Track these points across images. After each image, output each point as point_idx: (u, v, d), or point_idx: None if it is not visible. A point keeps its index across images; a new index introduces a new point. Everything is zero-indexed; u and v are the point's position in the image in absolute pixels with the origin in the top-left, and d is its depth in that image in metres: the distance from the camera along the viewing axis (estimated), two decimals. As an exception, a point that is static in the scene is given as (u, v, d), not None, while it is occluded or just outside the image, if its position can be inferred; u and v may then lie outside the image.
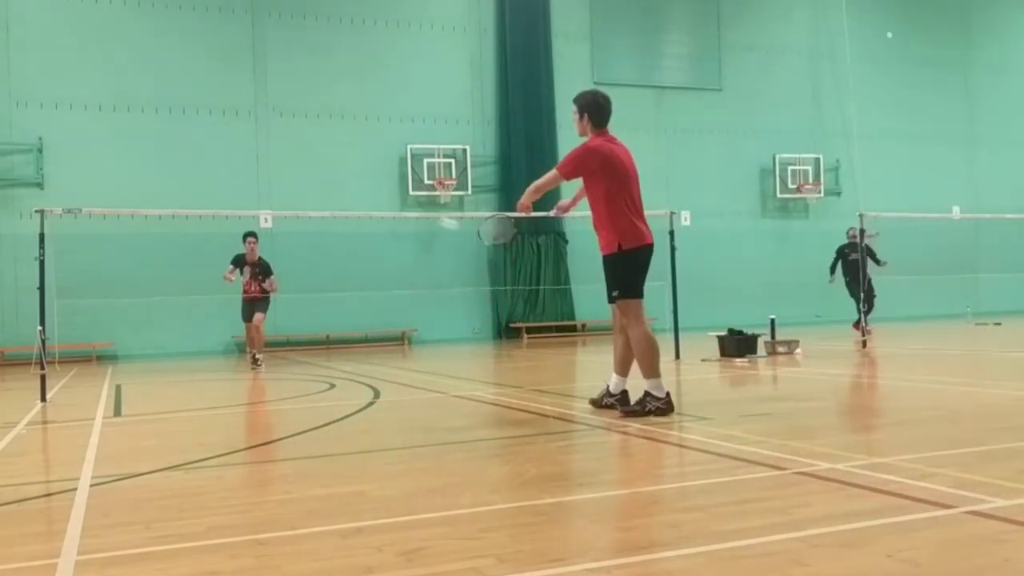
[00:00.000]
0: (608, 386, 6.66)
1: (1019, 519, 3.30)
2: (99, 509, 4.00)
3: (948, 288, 23.03)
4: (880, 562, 2.85)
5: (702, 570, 2.86)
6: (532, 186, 6.62)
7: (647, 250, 6.41)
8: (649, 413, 6.19)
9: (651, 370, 6.25)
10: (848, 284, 16.37)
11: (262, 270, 13.26)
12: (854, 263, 16.19)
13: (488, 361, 13.66)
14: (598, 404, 6.67)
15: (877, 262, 15.86)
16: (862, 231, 13.16)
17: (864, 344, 12.51)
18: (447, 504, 3.99)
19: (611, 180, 6.37)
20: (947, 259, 23.20)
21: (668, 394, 6.30)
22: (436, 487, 4.42)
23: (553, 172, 6.56)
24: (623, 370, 6.55)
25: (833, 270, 16.59)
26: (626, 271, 6.34)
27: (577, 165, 6.42)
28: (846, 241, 16.67)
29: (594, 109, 6.50)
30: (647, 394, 6.27)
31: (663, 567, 2.90)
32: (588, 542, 3.26)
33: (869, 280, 16.02)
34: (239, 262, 13.27)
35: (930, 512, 3.47)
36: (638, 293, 6.36)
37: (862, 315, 13.55)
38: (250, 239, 13.29)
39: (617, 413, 6.44)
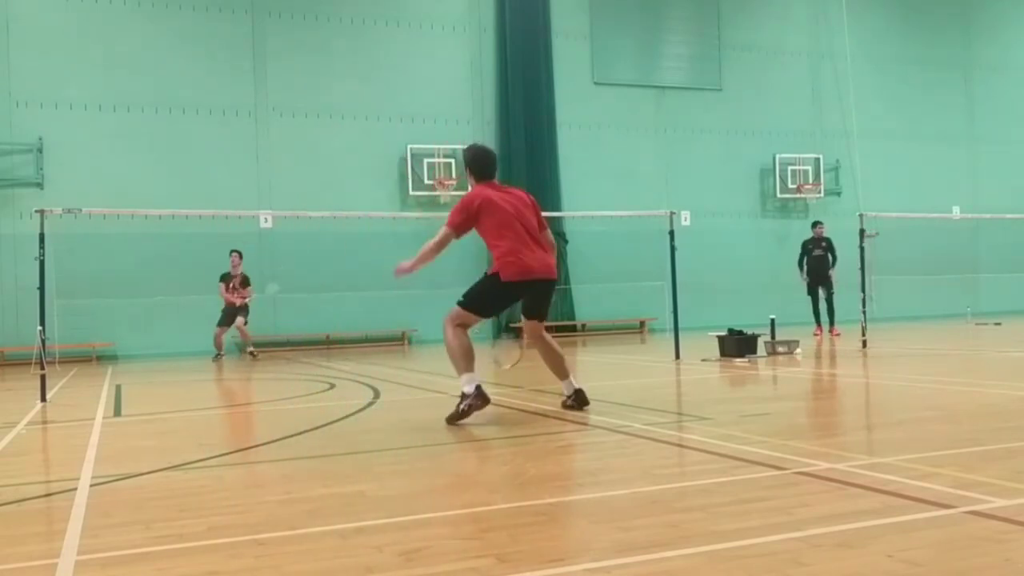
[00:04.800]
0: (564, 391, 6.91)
1: (1019, 519, 3.30)
2: (99, 509, 4.00)
3: (948, 288, 23.03)
4: (880, 562, 2.85)
5: (702, 570, 2.86)
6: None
7: (515, 286, 6.52)
8: (463, 412, 6.27)
9: (459, 369, 6.45)
10: (808, 284, 16.57)
11: (242, 282, 15.82)
12: (817, 259, 16.52)
13: (488, 361, 13.65)
14: (565, 405, 6.82)
15: (832, 264, 16.31)
16: (862, 231, 13.15)
17: (864, 344, 12.50)
18: (447, 504, 4.00)
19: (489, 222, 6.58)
20: (947, 259, 23.21)
21: (478, 387, 6.33)
22: (436, 487, 4.42)
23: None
24: (563, 375, 6.84)
25: (802, 266, 16.76)
26: (483, 289, 6.64)
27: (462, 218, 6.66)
28: (811, 236, 16.91)
29: (474, 164, 6.81)
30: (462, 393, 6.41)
31: (663, 567, 2.90)
32: (588, 542, 3.26)
33: (831, 281, 16.30)
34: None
35: (930, 512, 3.47)
36: (479, 311, 6.62)
37: (862, 313, 13.48)
38: (233, 255, 15.78)
39: (616, 412, 6.45)
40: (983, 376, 8.99)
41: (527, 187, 20.50)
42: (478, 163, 6.78)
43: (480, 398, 6.29)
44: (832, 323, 16.31)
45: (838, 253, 16.53)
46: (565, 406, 6.78)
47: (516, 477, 4.46)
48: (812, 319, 16.63)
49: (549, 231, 6.86)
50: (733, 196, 22.22)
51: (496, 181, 6.81)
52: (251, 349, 15.70)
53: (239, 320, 15.62)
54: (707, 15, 22.31)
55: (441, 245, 6.63)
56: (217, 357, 15.33)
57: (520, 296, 6.66)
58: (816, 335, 16.03)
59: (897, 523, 3.30)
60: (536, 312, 6.82)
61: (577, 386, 6.78)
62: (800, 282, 16.78)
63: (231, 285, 15.75)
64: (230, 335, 16.05)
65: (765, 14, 23.00)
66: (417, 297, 17.65)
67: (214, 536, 3.48)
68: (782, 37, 23.04)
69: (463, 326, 6.55)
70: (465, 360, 6.41)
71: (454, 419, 6.24)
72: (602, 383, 9.71)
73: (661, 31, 22.05)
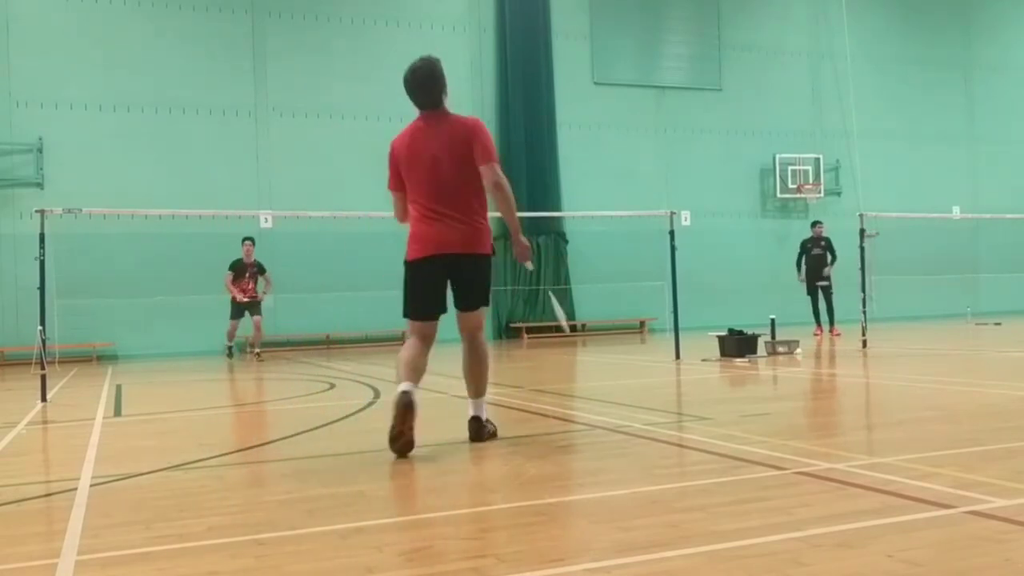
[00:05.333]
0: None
1: (1019, 519, 3.30)
2: (99, 509, 4.00)
3: (948, 288, 23.03)
4: (880, 562, 2.85)
5: (702, 570, 2.86)
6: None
7: (414, 265, 5.44)
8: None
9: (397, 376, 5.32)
10: (807, 283, 16.69)
11: (259, 271, 15.24)
12: (815, 258, 16.63)
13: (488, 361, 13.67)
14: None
15: (831, 262, 16.54)
16: (862, 231, 13.15)
17: (864, 344, 12.50)
18: (447, 504, 3.99)
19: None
20: (947, 259, 23.22)
21: (404, 392, 5.07)
22: (436, 487, 4.42)
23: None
24: (475, 392, 5.65)
25: (799, 265, 16.90)
26: (404, 282, 5.54)
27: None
28: (810, 235, 17.06)
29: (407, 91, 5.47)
30: None
31: (663, 567, 2.90)
32: (588, 542, 3.26)
33: (829, 279, 16.42)
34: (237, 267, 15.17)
35: (930, 512, 3.47)
36: (411, 313, 5.49)
37: (862, 313, 13.48)
38: (247, 243, 15.26)
39: (616, 412, 6.44)
40: (983, 376, 8.99)
41: (527, 187, 20.82)
42: (407, 90, 5.43)
43: (404, 406, 5.01)
44: (832, 323, 16.38)
45: (837, 253, 16.59)
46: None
47: (516, 477, 4.46)
48: (812, 319, 16.66)
49: (492, 167, 5.30)
50: (733, 196, 22.22)
51: (442, 108, 5.43)
52: (258, 351, 15.16)
53: (257, 319, 15.12)
54: (707, 15, 22.31)
55: (397, 214, 5.87)
56: (229, 353, 15.26)
57: (437, 275, 5.39)
58: (816, 335, 16.06)
59: (897, 523, 3.30)
60: (460, 299, 5.52)
61: (478, 414, 5.52)
62: (798, 281, 16.88)
63: (247, 275, 15.14)
64: (242, 330, 15.86)
65: (765, 14, 23.00)
66: (417, 297, 17.66)
67: (214, 536, 3.48)
68: (782, 37, 23.05)
69: (420, 337, 5.46)
70: (404, 370, 5.25)
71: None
72: (602, 383, 9.72)
73: (661, 31, 22.05)
